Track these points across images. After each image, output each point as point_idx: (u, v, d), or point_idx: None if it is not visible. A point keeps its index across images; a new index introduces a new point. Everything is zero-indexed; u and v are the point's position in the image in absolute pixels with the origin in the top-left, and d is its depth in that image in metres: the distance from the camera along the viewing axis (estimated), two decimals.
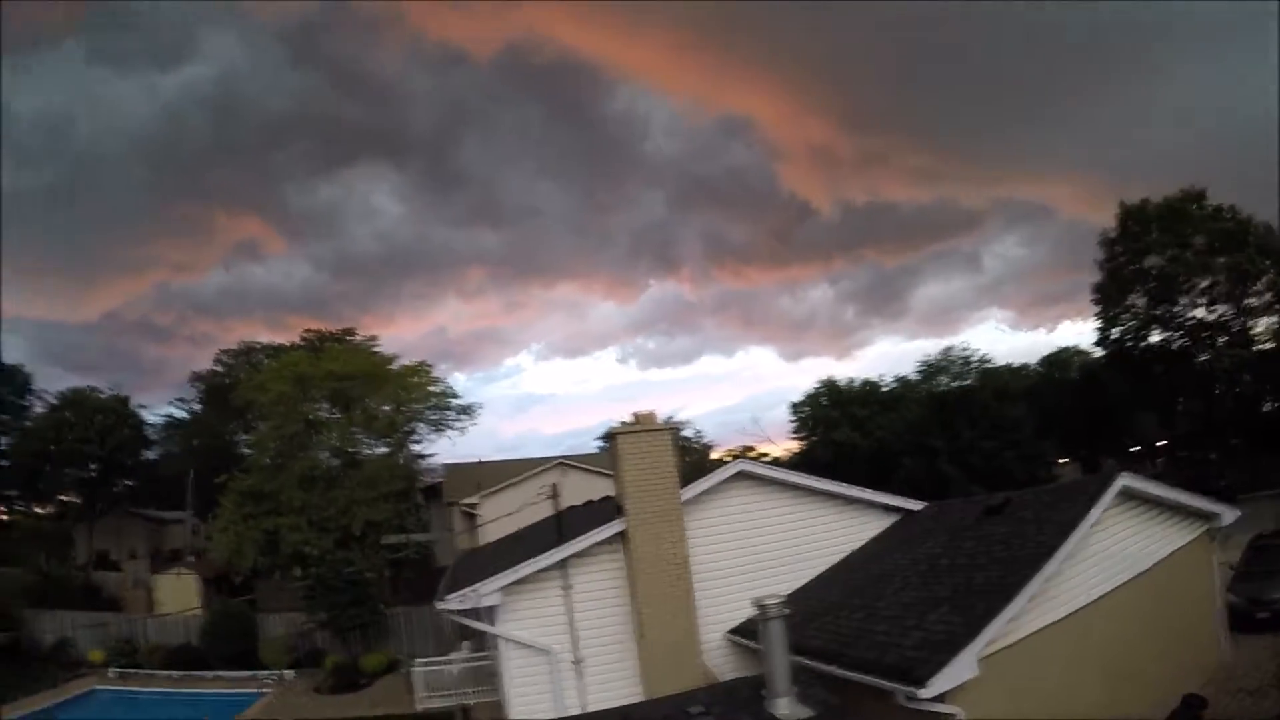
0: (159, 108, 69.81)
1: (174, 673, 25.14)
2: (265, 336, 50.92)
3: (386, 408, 29.47)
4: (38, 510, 48.31)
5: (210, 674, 24.81)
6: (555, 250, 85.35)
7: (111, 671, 25.54)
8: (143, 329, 79.33)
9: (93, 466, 48.51)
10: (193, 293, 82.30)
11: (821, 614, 10.14)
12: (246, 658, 25.56)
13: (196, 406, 51.93)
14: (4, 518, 50.44)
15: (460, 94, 78.55)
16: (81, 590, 33.13)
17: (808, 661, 8.68)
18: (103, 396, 50.10)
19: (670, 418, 11.49)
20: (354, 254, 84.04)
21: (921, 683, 7.17)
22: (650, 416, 11.61)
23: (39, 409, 50.83)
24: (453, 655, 16.56)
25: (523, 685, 10.58)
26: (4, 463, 50.10)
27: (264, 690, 23.17)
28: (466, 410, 31.36)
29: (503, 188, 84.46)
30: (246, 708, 21.28)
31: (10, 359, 53.24)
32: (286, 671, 24.60)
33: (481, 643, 13.95)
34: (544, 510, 18.34)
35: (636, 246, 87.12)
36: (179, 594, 32.24)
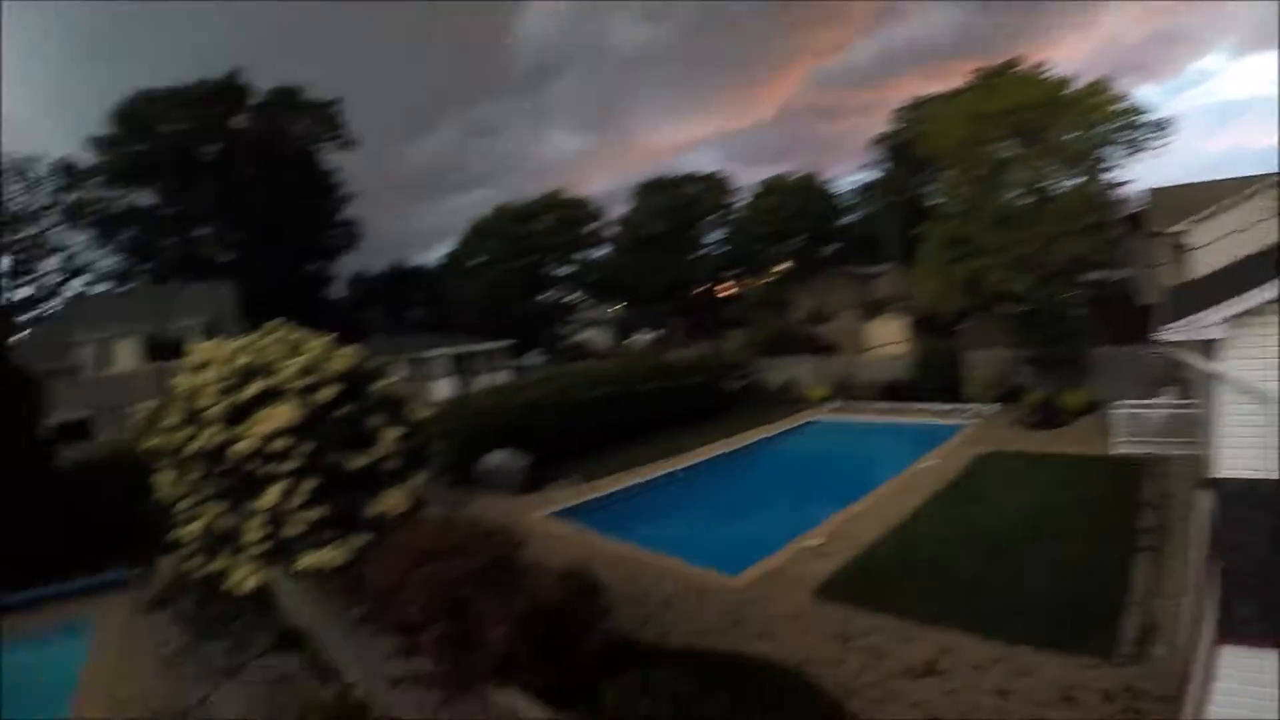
0: None
1: (883, 404, 27.83)
2: (931, 88, 49.77)
3: (1070, 135, 26.35)
4: (760, 281, 56.52)
5: (917, 406, 26.77)
6: None
7: (828, 405, 29.37)
8: (812, 113, 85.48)
9: (798, 238, 55.01)
10: (848, 68, 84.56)
11: None
12: (950, 392, 27.24)
13: (883, 167, 54.00)
14: (735, 291, 60.80)
15: None
16: (802, 340, 38.20)
17: None
18: (794, 179, 56.23)
19: None
20: None
21: None
22: None
23: (744, 201, 59.30)
24: (1155, 400, 14.91)
25: (1238, 437, 8.83)
26: (727, 248, 60.04)
27: (966, 422, 24.13)
28: (1158, 127, 26.36)
29: None
30: (948, 438, 22.56)
31: (709, 168, 63.31)
32: (988, 405, 25.24)
33: (1186, 389, 12.11)
34: (1267, 234, 14.78)
35: None
36: (887, 336, 35.11)
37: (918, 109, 48.13)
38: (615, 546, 16.22)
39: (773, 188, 56.78)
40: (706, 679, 8.08)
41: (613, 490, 21.50)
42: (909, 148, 40.49)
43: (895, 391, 28.67)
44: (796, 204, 54.26)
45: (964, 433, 22.99)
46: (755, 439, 26.08)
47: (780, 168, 66.57)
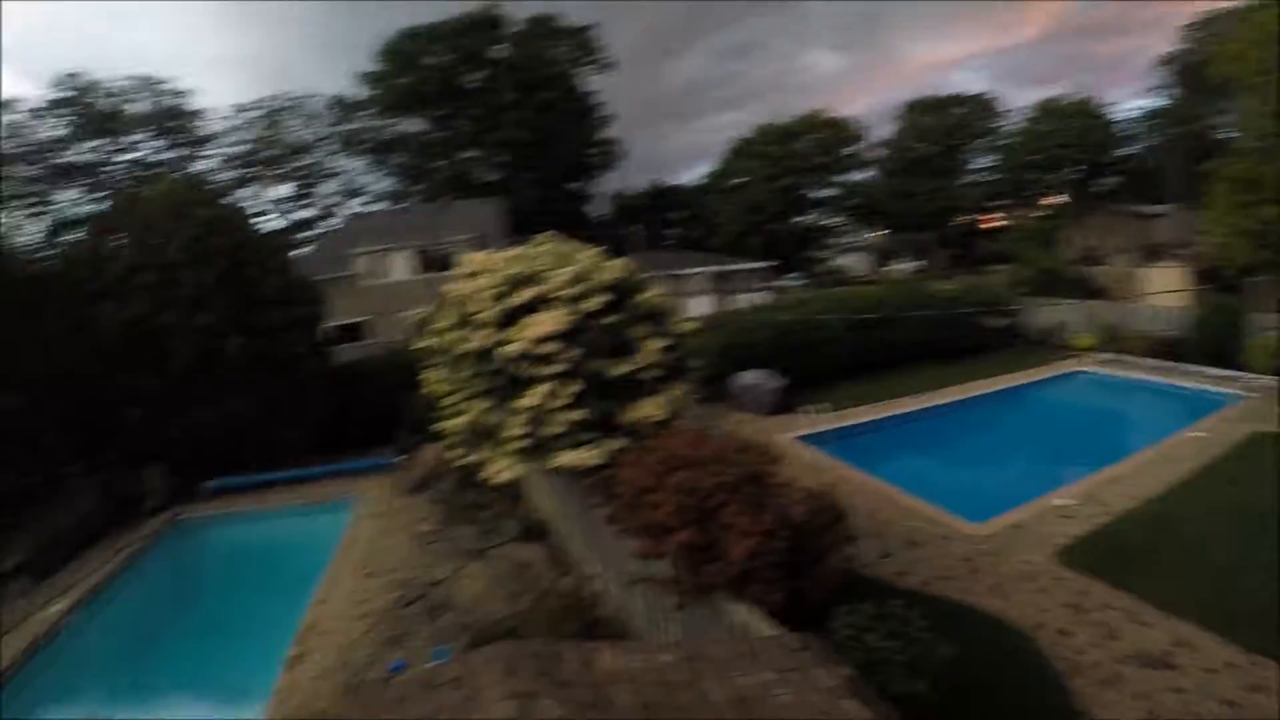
0: None
1: (1154, 362, 25.32)
2: (1226, 2, 43.57)
3: None
4: (1029, 213, 52.47)
5: (1190, 369, 24.16)
6: None
7: (1095, 356, 27.01)
8: (1087, 29, 76.61)
9: (1073, 168, 50.57)
10: None
11: None
12: (1229, 357, 24.19)
13: (1170, 93, 48.42)
14: (1001, 223, 57.06)
15: None
16: (1071, 282, 35.11)
17: None
18: (1069, 102, 51.43)
19: None
20: None
21: None
22: None
23: (1014, 126, 55.14)
24: None
25: None
26: (996, 175, 56.16)
27: (1243, 394, 21.49)
28: None
29: None
30: (1221, 408, 20.23)
31: (976, 88, 59.34)
32: (1270, 377, 22.28)
33: None
34: None
35: None
36: (1164, 286, 31.78)
37: (1209, 25, 42.52)
38: (860, 477, 16.30)
39: (1046, 111, 52.62)
40: (937, 625, 7.88)
41: (863, 420, 21.51)
42: (1199, 71, 36.01)
43: (1168, 349, 25.92)
44: (1072, 131, 49.88)
45: (1240, 405, 20.40)
46: (1015, 383, 24.89)
47: (1054, 90, 61.36)
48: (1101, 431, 21.79)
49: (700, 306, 39.36)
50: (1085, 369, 26.30)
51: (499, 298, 10.98)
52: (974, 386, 24.28)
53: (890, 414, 22.01)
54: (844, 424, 21.18)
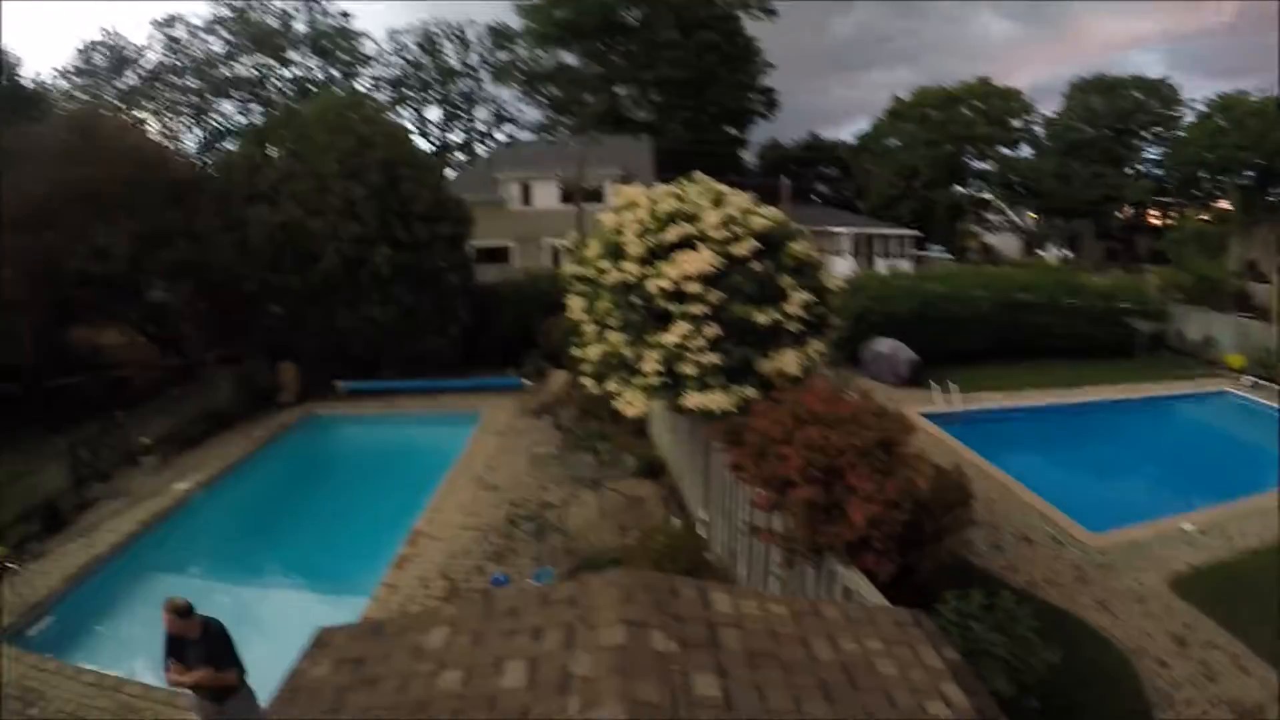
0: None
1: None
2: None
3: None
4: (1194, 216, 48.53)
5: None
6: None
7: (1245, 379, 24.98)
8: None
9: (1247, 174, 46.45)
10: None
11: None
12: None
13: None
14: (1163, 221, 53.10)
15: None
16: (1232, 295, 32.38)
17: None
18: (1254, 100, 46.87)
19: None
20: None
21: None
22: None
23: (1189, 119, 50.89)
24: None
25: None
26: (1158, 171, 52.19)
27: None
28: None
29: None
30: None
31: (1153, 73, 54.39)
32: None
33: None
34: None
35: None
36: None
37: None
38: (981, 464, 15.83)
39: (1228, 106, 47.95)
40: (1040, 629, 7.57)
41: (993, 407, 20.87)
42: None
43: None
44: (1252, 131, 45.30)
45: None
46: (1156, 393, 23.37)
47: (1237, 84, 55.39)
48: (1241, 461, 20.13)
49: (842, 266, 38.41)
50: (1233, 391, 24.24)
51: (649, 232, 10.95)
52: (1113, 390, 22.93)
53: (1022, 404, 21.24)
54: (973, 407, 20.55)
